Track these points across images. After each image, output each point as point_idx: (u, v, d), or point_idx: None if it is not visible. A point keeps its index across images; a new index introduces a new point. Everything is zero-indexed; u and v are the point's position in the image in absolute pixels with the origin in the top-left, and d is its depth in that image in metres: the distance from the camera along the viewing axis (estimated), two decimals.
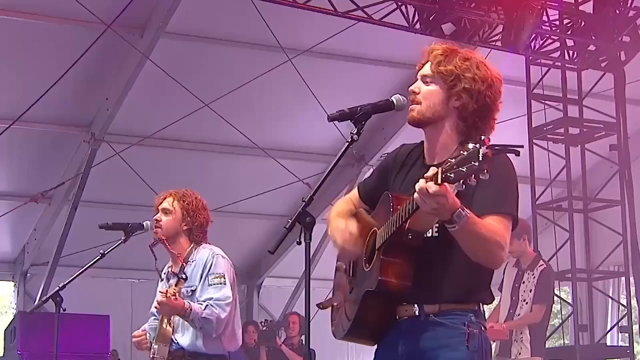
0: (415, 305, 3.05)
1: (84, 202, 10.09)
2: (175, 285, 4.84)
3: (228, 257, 5.04)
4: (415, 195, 2.76)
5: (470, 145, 2.59)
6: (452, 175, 2.62)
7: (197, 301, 4.86)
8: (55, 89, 8.60)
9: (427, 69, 3.16)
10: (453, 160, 2.63)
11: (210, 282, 4.87)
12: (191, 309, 4.77)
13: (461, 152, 2.62)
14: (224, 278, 4.88)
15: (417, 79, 3.19)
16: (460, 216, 2.79)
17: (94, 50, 8.49)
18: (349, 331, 3.16)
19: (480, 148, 2.56)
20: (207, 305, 4.81)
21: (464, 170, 2.59)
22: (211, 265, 4.90)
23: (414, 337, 3.05)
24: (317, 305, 3.41)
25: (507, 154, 2.86)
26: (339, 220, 3.21)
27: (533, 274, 7.32)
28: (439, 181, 2.67)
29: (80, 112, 9.67)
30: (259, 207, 11.16)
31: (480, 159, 2.56)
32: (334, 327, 3.33)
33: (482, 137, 2.59)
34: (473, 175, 2.58)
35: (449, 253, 3.01)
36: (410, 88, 3.18)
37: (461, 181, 2.62)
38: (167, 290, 4.75)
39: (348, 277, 3.29)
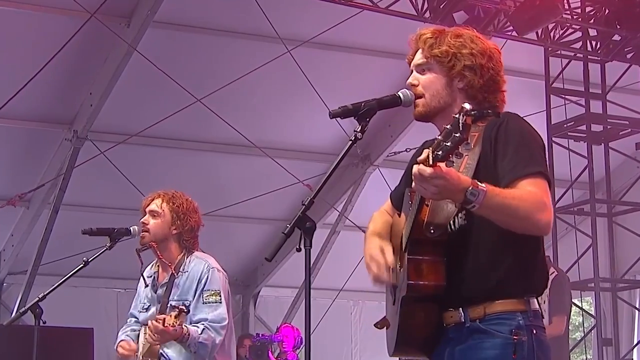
0: (460, 311, 3.01)
1: (66, 205, 10.09)
2: (178, 316, 4.77)
3: (221, 266, 5.04)
4: (413, 184, 2.77)
5: (455, 117, 2.62)
6: (440, 153, 2.64)
7: (191, 320, 4.86)
8: (34, 83, 8.60)
9: (419, 57, 3.19)
10: (440, 137, 2.65)
11: (204, 300, 4.87)
12: (189, 335, 4.77)
13: (445, 126, 2.64)
14: (220, 296, 4.88)
15: (411, 71, 3.22)
16: (474, 193, 2.76)
17: (76, 40, 8.49)
18: (396, 345, 3.10)
19: (460, 117, 2.58)
20: (204, 329, 4.81)
21: (448, 144, 2.60)
22: (207, 280, 4.89)
23: (458, 347, 3.03)
24: (375, 324, 3.35)
25: (522, 117, 2.96)
26: (373, 241, 3.14)
27: None
28: (431, 162, 2.68)
29: (61, 108, 9.68)
30: (255, 211, 11.17)
31: (461, 128, 2.57)
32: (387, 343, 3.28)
33: (463, 105, 2.61)
34: (459, 148, 2.60)
35: (482, 240, 2.98)
36: (408, 81, 3.20)
37: (450, 157, 2.62)
38: (164, 319, 4.71)
39: (392, 288, 3.24)
